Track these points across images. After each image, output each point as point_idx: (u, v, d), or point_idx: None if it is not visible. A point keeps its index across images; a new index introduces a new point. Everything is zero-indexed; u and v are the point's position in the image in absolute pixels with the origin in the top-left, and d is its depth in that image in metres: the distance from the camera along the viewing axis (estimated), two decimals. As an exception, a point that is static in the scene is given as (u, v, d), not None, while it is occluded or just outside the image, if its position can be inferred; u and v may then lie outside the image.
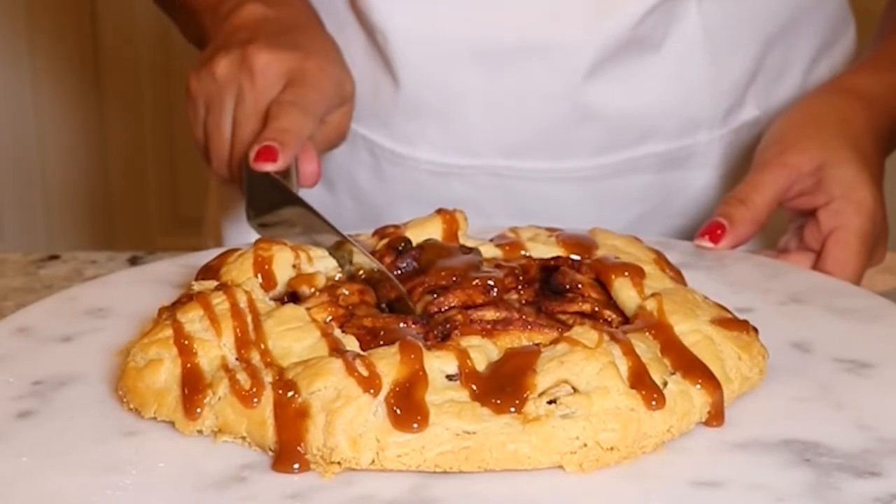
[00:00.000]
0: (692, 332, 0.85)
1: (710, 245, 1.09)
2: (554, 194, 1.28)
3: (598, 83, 1.23)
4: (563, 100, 1.23)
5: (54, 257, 1.20)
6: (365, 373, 0.78)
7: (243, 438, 0.79)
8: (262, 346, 0.83)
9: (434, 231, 0.99)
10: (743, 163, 1.31)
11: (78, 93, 2.57)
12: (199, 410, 0.80)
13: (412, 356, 0.79)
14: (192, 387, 0.81)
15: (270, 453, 0.78)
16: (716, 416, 0.81)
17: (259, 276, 0.93)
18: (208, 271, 0.96)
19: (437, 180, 1.26)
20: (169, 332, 0.85)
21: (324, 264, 0.96)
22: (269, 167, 1.08)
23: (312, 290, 0.92)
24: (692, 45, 1.24)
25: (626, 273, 0.91)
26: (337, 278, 0.95)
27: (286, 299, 0.92)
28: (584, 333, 0.81)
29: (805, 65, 1.33)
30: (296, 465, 0.77)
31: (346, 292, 0.90)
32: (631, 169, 1.28)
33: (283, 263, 0.95)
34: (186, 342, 0.84)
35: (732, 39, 1.26)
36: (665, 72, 1.25)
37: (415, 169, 1.28)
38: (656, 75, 1.25)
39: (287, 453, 0.77)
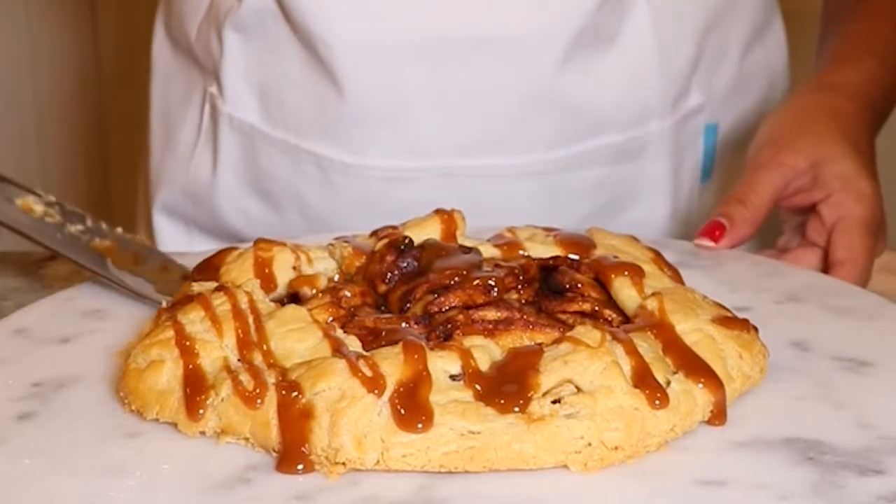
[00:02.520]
0: (693, 331, 0.85)
1: (711, 244, 1.09)
2: (508, 191, 1.26)
3: (552, 76, 1.22)
4: (514, 93, 1.22)
5: (54, 257, 1.19)
6: (369, 373, 0.78)
7: (247, 439, 0.79)
8: (265, 347, 0.83)
9: (432, 231, 0.99)
10: (694, 153, 1.32)
11: (79, 93, 2.56)
12: (201, 412, 0.80)
13: (416, 356, 0.79)
14: (195, 388, 0.81)
15: (274, 454, 0.78)
16: (718, 415, 0.81)
17: (259, 278, 0.93)
18: (208, 269, 0.96)
19: (389, 186, 1.25)
20: (170, 333, 0.85)
21: (323, 265, 0.96)
22: None
23: (314, 291, 0.92)
24: (643, 35, 1.24)
25: (626, 272, 0.91)
26: (336, 279, 0.95)
27: (286, 300, 0.92)
28: (587, 333, 0.82)
29: (740, 50, 1.34)
30: (300, 466, 0.77)
31: (349, 294, 0.90)
32: (585, 162, 1.27)
33: (284, 265, 0.95)
34: (188, 343, 0.84)
35: (678, 27, 1.27)
36: (618, 63, 1.24)
37: (365, 177, 1.26)
38: (609, 66, 1.24)
39: (291, 454, 0.77)
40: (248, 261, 0.94)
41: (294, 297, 0.93)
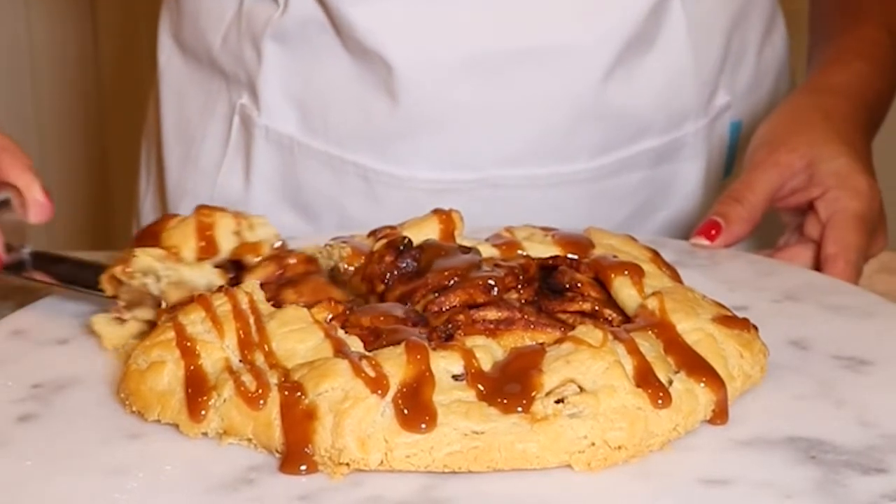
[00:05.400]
0: (694, 330, 0.85)
1: (707, 243, 1.09)
2: (552, 199, 1.27)
3: (600, 85, 1.23)
4: (562, 103, 1.23)
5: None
6: (372, 373, 0.78)
7: (249, 440, 0.79)
8: (266, 348, 0.83)
9: (431, 231, 0.99)
10: (721, 151, 1.33)
11: (79, 94, 2.56)
12: (203, 413, 0.80)
13: (418, 356, 0.79)
14: (197, 389, 0.81)
15: (277, 455, 0.78)
16: (720, 414, 0.81)
17: (202, 241, 0.94)
18: (149, 236, 0.96)
19: (434, 197, 1.23)
20: (171, 334, 0.85)
21: (265, 231, 0.97)
22: None
23: (258, 258, 0.93)
24: (678, 39, 1.25)
25: (626, 272, 0.91)
26: (278, 245, 0.96)
27: (229, 267, 0.93)
28: (589, 332, 0.82)
29: (756, 48, 1.36)
30: (303, 467, 0.77)
31: (293, 261, 0.91)
32: (627, 167, 1.28)
33: (225, 230, 0.96)
34: (189, 344, 0.83)
35: (708, 28, 1.28)
36: (658, 67, 1.25)
37: (412, 189, 1.25)
38: (650, 72, 1.25)
39: (294, 455, 0.77)
40: (189, 226, 0.95)
41: (238, 265, 0.94)
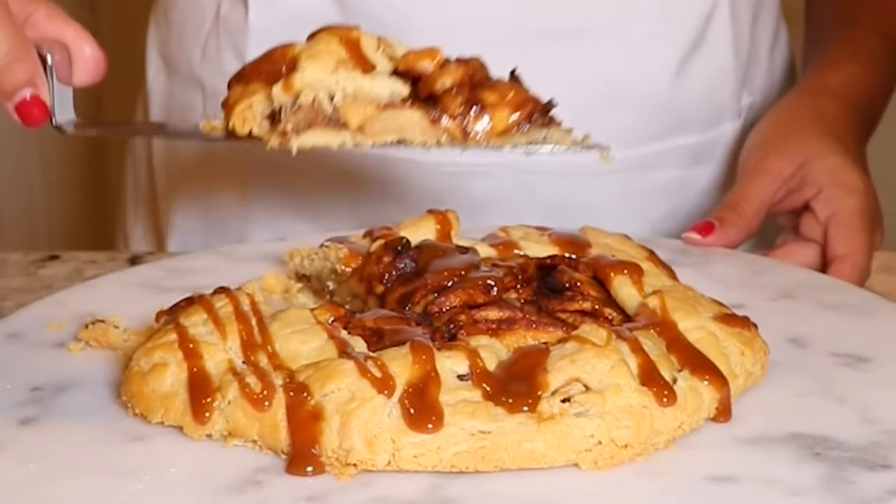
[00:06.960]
0: (696, 328, 0.85)
1: (698, 237, 1.09)
2: (580, 189, 1.24)
3: (637, 70, 1.22)
4: (594, 87, 1.22)
5: (54, 257, 1.19)
6: (378, 374, 0.78)
7: (254, 442, 0.79)
8: (270, 349, 0.82)
9: (427, 231, 0.99)
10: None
11: (79, 92, 2.56)
12: (207, 414, 0.80)
13: (424, 357, 0.79)
14: (200, 391, 0.81)
15: (283, 456, 0.78)
16: (723, 412, 0.82)
17: (353, 58, 0.84)
18: (274, 63, 0.84)
19: (458, 181, 1.21)
20: (173, 335, 0.84)
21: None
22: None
23: (436, 61, 0.83)
24: (723, 33, 1.26)
25: (626, 271, 0.92)
26: None
27: (412, 86, 0.84)
28: (593, 332, 0.82)
29: (768, 50, 1.36)
30: (310, 468, 0.76)
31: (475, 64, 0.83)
32: (662, 162, 1.28)
33: (371, 46, 0.85)
34: (192, 346, 0.83)
35: (739, 24, 1.28)
36: (703, 62, 1.26)
37: (433, 173, 1.24)
38: (695, 66, 1.25)
39: (301, 456, 0.77)
40: (332, 42, 0.84)
41: (414, 77, 0.84)
